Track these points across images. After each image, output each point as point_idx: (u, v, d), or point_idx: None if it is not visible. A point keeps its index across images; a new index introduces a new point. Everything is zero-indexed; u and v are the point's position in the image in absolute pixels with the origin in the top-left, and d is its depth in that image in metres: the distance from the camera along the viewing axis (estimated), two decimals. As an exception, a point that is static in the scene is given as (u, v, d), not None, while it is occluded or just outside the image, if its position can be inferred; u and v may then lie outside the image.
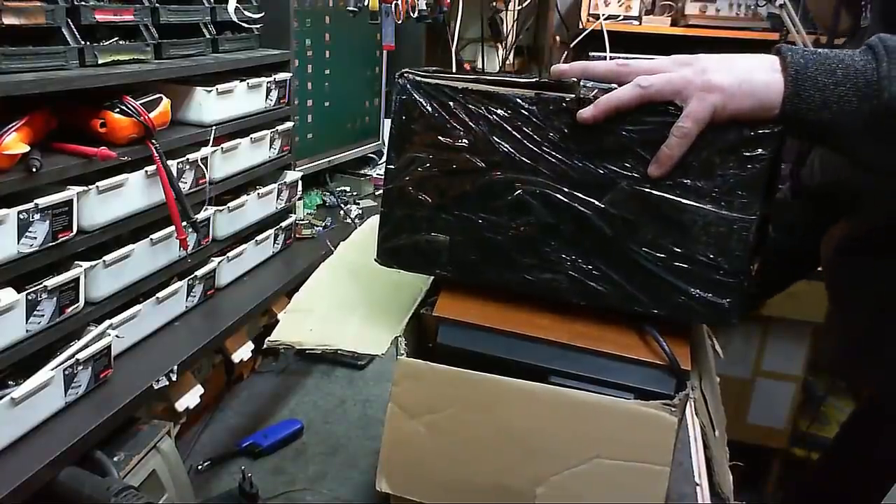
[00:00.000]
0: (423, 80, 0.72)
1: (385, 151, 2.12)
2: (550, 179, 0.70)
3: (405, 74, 0.73)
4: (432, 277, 0.82)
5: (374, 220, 0.81)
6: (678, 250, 0.68)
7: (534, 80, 0.73)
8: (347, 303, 0.84)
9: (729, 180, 0.66)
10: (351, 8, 1.64)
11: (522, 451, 0.69)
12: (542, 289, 0.72)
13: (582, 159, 0.69)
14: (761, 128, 0.65)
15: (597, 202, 0.69)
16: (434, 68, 0.76)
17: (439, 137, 0.72)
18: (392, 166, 0.75)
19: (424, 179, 0.73)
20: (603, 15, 2.29)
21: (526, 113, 0.69)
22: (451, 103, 0.71)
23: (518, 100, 0.69)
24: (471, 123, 0.71)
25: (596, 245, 0.70)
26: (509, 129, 0.70)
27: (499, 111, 0.70)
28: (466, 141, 0.71)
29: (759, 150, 0.66)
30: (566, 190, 0.69)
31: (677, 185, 0.67)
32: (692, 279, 0.68)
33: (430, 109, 0.72)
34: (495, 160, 0.71)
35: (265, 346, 0.79)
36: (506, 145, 0.70)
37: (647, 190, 0.68)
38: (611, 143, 0.68)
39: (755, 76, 0.66)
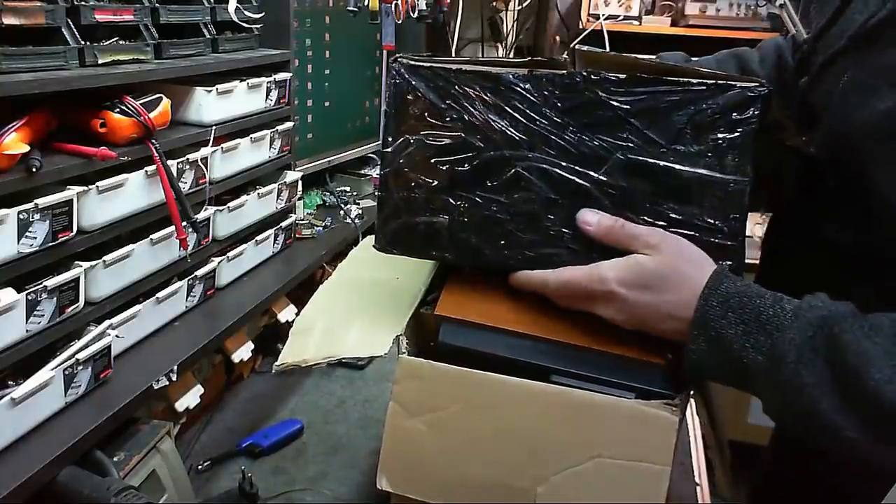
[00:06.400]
0: (417, 63, 0.72)
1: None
2: (547, 154, 0.70)
3: (399, 59, 0.73)
4: (431, 279, 0.82)
5: (368, 241, 0.81)
6: (676, 217, 0.69)
7: (526, 59, 0.73)
8: (348, 314, 0.83)
9: (721, 143, 0.67)
10: (351, 8, 1.63)
11: (523, 450, 0.69)
12: (543, 264, 0.72)
13: (577, 133, 0.69)
14: (749, 90, 0.66)
15: (594, 174, 0.69)
16: (428, 53, 0.75)
17: (435, 119, 0.72)
18: (388, 150, 0.74)
19: (421, 161, 0.73)
20: (603, 15, 2.30)
21: (520, 90, 0.70)
22: (445, 84, 0.71)
23: (511, 77, 0.70)
24: (465, 103, 0.71)
25: None
26: (504, 107, 0.70)
27: (493, 90, 0.70)
28: (462, 121, 0.71)
29: (748, 112, 0.66)
30: (564, 164, 0.70)
31: (671, 151, 0.68)
32: (692, 244, 0.69)
33: (424, 91, 0.72)
34: (492, 138, 0.71)
35: (273, 371, 0.78)
36: (501, 123, 0.70)
37: (642, 159, 0.68)
38: (605, 116, 0.68)
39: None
